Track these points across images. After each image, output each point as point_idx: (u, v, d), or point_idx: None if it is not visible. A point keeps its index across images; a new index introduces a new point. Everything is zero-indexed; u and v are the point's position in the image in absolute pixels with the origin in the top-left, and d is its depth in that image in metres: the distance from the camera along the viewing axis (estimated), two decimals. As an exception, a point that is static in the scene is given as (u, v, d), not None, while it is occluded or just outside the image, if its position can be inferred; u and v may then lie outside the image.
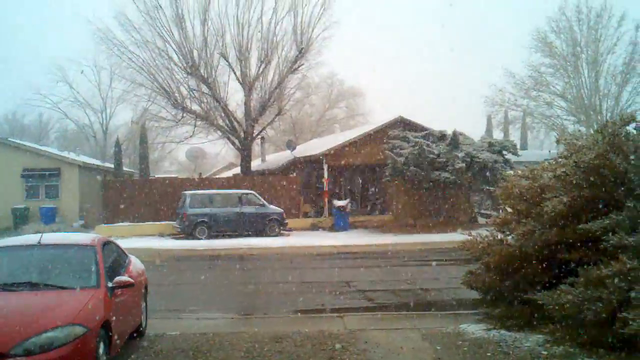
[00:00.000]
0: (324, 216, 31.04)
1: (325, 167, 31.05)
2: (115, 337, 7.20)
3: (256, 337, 9.01)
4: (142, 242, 23.70)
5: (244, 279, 16.33)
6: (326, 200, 31.30)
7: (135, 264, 9.81)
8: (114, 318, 7.14)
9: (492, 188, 25.10)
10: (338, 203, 29.54)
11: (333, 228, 29.16)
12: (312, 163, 33.13)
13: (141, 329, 9.25)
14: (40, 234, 8.39)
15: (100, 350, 6.58)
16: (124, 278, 7.86)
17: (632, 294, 7.14)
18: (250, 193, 27.99)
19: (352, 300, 12.87)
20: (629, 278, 7.33)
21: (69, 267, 7.66)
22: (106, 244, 8.55)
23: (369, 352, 8.25)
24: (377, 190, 33.88)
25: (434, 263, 18.44)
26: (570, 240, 8.71)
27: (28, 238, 8.98)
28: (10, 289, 7.11)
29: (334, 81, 62.96)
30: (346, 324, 10.16)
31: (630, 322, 6.83)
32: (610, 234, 7.81)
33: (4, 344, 5.85)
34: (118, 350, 7.58)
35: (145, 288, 9.93)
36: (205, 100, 34.34)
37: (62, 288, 7.13)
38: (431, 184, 27.81)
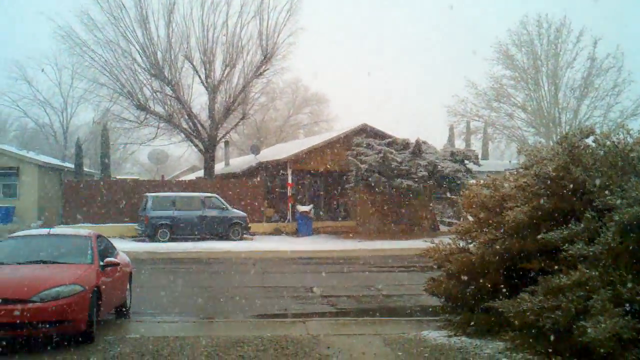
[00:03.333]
0: (287, 221, 31.03)
1: (290, 172, 31.05)
2: (104, 301, 9.64)
3: (217, 342, 8.94)
4: (101, 244, 23.33)
5: (205, 282, 16.21)
6: (290, 205, 31.28)
7: (122, 255, 12.17)
8: (103, 287, 9.59)
9: (454, 196, 25.42)
10: (302, 208, 29.57)
11: (296, 233, 29.21)
12: (276, 168, 33.10)
13: (126, 306, 11.63)
14: (49, 228, 11.85)
15: (93, 306, 8.97)
16: (112, 259, 10.46)
17: (590, 303, 7.31)
18: (213, 196, 27.82)
19: (314, 306, 12.90)
20: (587, 287, 7.49)
21: (71, 250, 10.23)
22: (99, 236, 11.02)
23: (331, 358, 8.26)
24: (340, 196, 33.99)
25: (396, 269, 18.60)
26: (531, 250, 8.85)
27: (41, 230, 12.33)
28: (30, 263, 9.67)
29: (298, 87, 63.13)
30: (308, 329, 10.16)
31: (588, 331, 6.97)
32: (569, 244, 7.97)
33: (27, 293, 8.36)
34: (105, 313, 10.13)
35: (130, 274, 12.10)
36: (168, 103, 34.05)
37: (67, 263, 9.69)
38: (394, 191, 28.02)
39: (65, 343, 8.57)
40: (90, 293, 8.97)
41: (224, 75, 34.53)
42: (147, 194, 27.58)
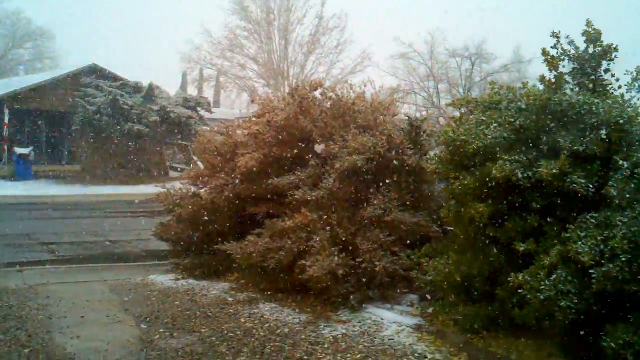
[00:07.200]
0: (3, 164, 28.37)
1: (7, 111, 28.32)
2: None
3: None
4: None
5: None
6: (6, 147, 28.63)
7: None
8: None
9: (185, 142, 25.41)
10: (20, 150, 27.36)
11: (14, 177, 26.87)
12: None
13: None
14: None
15: None
16: None
17: (311, 244, 7.88)
18: None
19: (33, 254, 12.03)
20: (309, 229, 8.07)
21: None
22: None
23: (51, 307, 7.85)
24: (66, 139, 31.93)
25: (124, 215, 18.16)
26: (261, 195, 9.23)
27: None
28: None
29: (20, 19, 57.54)
30: (25, 278, 9.54)
31: (307, 269, 7.53)
32: (295, 189, 8.47)
33: None
34: None
35: None
36: None
37: None
38: (124, 135, 27.10)
39: None
40: None
41: None
42: None
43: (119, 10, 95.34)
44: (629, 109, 6.22)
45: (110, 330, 7.08)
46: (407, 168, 8.56)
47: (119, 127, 26.51)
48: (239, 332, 6.92)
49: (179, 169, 28.88)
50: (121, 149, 28.24)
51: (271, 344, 6.55)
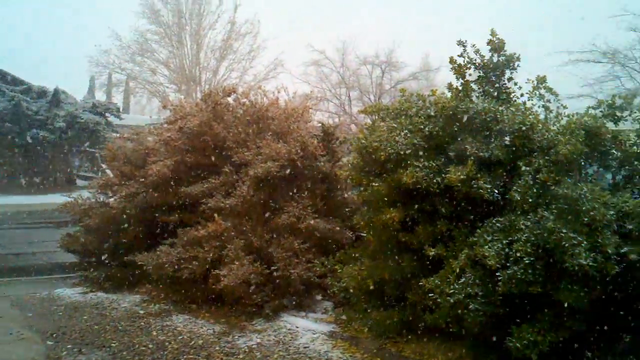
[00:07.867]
0: None
1: None
2: None
3: None
4: None
5: None
6: None
7: None
8: None
9: (93, 150, 24.68)
10: None
11: None
12: None
13: None
14: None
15: None
16: None
17: (225, 252, 7.80)
18: None
19: None
20: (223, 238, 7.98)
21: None
22: None
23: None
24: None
25: (28, 226, 17.35)
26: (173, 203, 9.05)
27: None
28: None
29: None
30: None
31: (222, 278, 7.44)
32: (209, 197, 8.37)
33: None
34: None
35: None
36: None
37: None
38: (28, 142, 25.99)
39: None
40: None
41: None
42: None
43: (22, 9, 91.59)
44: (531, 117, 6.48)
45: (14, 348, 6.78)
46: (321, 175, 8.63)
47: (22, 133, 25.43)
48: (151, 346, 6.76)
49: (87, 178, 27.96)
50: (25, 156, 27.08)
51: (185, 356, 6.43)
